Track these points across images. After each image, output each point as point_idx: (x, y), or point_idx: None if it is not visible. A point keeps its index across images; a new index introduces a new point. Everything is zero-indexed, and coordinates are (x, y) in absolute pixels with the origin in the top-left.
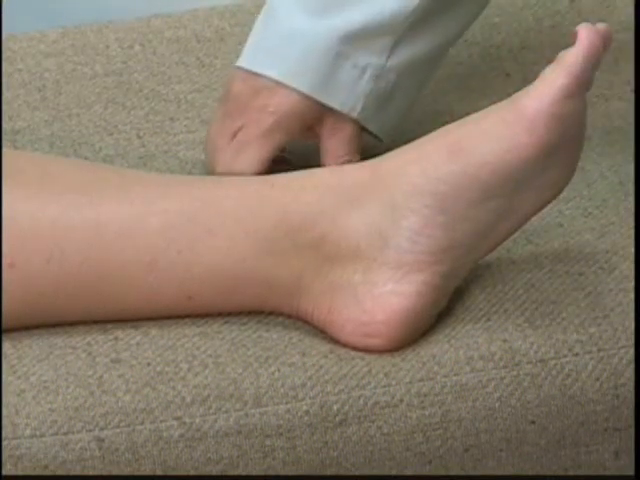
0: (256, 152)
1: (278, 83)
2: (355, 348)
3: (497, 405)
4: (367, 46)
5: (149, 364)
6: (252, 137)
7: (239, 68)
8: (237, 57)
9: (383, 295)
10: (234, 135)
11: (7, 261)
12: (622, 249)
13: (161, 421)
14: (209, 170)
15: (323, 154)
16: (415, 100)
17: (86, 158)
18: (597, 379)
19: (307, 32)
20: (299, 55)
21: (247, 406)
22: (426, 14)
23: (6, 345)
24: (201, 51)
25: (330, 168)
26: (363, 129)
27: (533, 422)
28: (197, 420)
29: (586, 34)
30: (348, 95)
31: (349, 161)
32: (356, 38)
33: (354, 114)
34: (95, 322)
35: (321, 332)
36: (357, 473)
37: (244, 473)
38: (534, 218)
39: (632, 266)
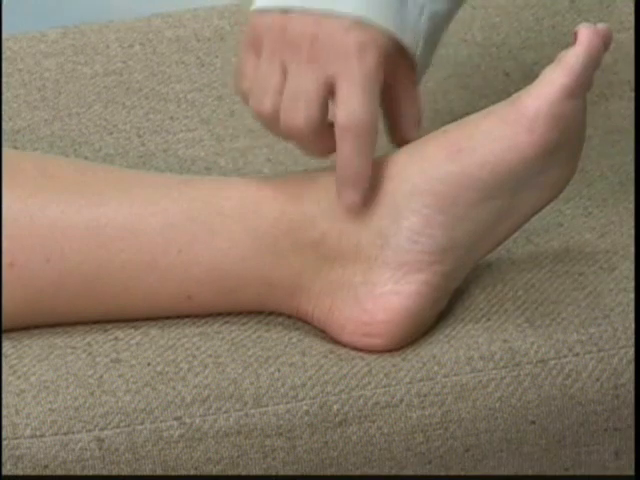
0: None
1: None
2: (355, 348)
3: (497, 405)
4: None
5: (149, 364)
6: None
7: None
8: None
9: (383, 295)
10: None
11: (7, 261)
12: (622, 249)
13: (161, 421)
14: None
15: (401, 102)
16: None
17: (86, 157)
18: (597, 379)
19: None
20: None
21: (247, 406)
22: None
23: (6, 345)
24: (201, 50)
25: (330, 170)
26: None
27: (533, 422)
28: (197, 420)
29: (586, 34)
30: (414, 35)
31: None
32: None
33: (417, 54)
34: (95, 322)
35: (321, 332)
36: (357, 473)
37: (244, 473)
38: (534, 218)
39: (632, 266)
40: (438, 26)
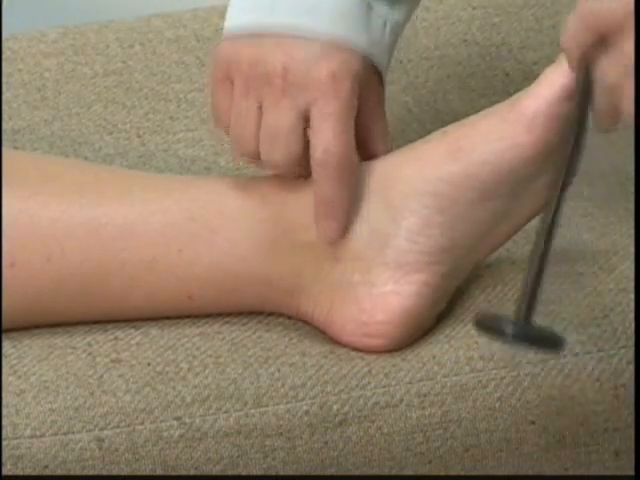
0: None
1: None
2: (355, 348)
3: (497, 405)
4: None
5: (149, 364)
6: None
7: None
8: None
9: (383, 295)
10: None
11: (7, 261)
12: (622, 249)
13: (161, 421)
14: None
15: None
16: None
17: (86, 157)
18: (597, 379)
19: None
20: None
21: (247, 406)
22: None
23: (6, 345)
24: (201, 50)
25: None
26: None
27: (533, 422)
28: (197, 420)
29: None
30: (381, 50)
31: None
32: None
33: (383, 69)
34: (95, 322)
35: (321, 333)
36: (357, 473)
37: (244, 473)
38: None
39: (632, 266)
40: (397, 37)
